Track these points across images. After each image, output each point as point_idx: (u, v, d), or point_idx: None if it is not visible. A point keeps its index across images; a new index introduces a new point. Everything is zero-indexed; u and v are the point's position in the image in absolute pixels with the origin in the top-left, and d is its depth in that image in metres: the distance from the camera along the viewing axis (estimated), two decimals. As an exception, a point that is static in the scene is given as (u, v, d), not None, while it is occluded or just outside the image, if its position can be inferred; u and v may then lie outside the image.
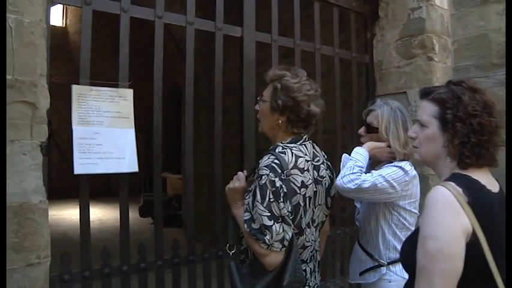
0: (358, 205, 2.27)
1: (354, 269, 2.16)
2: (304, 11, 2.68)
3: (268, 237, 1.47)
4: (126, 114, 1.90)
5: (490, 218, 1.16)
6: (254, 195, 1.51)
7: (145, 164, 2.92)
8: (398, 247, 1.92)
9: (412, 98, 2.90)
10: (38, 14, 1.62)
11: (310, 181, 1.61)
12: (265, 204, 1.47)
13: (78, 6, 1.85)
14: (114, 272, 1.89)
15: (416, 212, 2.01)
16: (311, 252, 1.67)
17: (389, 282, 1.96)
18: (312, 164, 1.65)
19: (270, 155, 1.55)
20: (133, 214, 7.91)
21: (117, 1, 1.95)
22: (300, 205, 1.58)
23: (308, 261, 1.66)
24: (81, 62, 1.85)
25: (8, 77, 1.51)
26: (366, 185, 1.85)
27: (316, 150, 1.72)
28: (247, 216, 1.53)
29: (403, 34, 3.00)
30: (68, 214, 8.76)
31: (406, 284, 1.32)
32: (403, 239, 1.68)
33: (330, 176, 1.76)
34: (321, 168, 1.70)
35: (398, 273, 1.96)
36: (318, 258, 1.75)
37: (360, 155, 1.98)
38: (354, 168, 1.90)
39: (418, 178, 2.00)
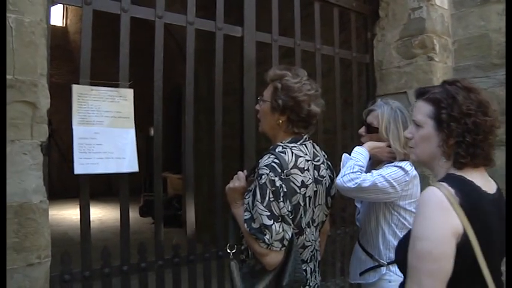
0: (358, 205, 2.27)
1: (354, 269, 2.16)
2: (304, 11, 2.68)
3: (267, 236, 1.47)
4: (127, 114, 1.90)
5: (483, 219, 1.16)
6: (254, 195, 1.51)
7: (146, 164, 2.92)
8: (399, 247, 1.92)
9: (412, 98, 2.89)
10: (38, 14, 1.62)
11: (310, 181, 1.61)
12: (265, 204, 1.47)
13: (78, 6, 1.85)
14: (114, 271, 1.89)
15: (417, 212, 2.00)
16: (311, 252, 1.67)
17: (390, 282, 1.96)
18: (312, 163, 1.65)
19: (270, 154, 1.55)
20: (134, 214, 7.91)
21: (117, 1, 1.95)
22: (300, 205, 1.58)
23: (308, 261, 1.66)
24: (81, 62, 1.85)
25: (8, 76, 1.51)
26: (366, 184, 1.85)
27: (316, 149, 1.72)
28: (247, 215, 1.53)
29: (404, 34, 3.00)
30: (68, 214, 8.76)
31: (400, 284, 1.33)
32: (403, 239, 1.68)
33: (330, 176, 1.76)
34: (321, 168, 1.70)
35: (398, 274, 1.95)
36: (318, 258, 1.75)
37: (360, 154, 1.98)
38: (354, 168, 1.90)
39: (418, 178, 2.00)
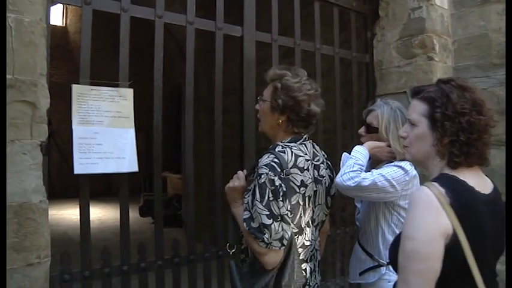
0: (358, 205, 2.27)
1: (353, 268, 2.16)
2: (304, 11, 2.68)
3: (267, 236, 1.47)
4: (126, 113, 1.90)
5: (474, 219, 1.15)
6: (253, 194, 1.51)
7: (146, 164, 2.92)
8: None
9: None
10: (38, 14, 1.62)
11: (310, 180, 1.61)
12: (264, 203, 1.47)
13: (78, 5, 1.85)
14: (114, 271, 1.89)
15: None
16: (311, 251, 1.67)
17: (389, 282, 1.96)
18: (312, 163, 1.65)
19: (269, 154, 1.55)
20: (134, 214, 7.91)
21: (117, 1, 1.95)
22: (300, 204, 1.58)
23: (308, 261, 1.66)
24: (81, 62, 1.85)
25: (8, 76, 1.51)
26: (366, 183, 1.84)
27: (316, 149, 1.72)
28: (246, 215, 1.53)
29: (404, 34, 3.00)
30: (68, 214, 8.76)
31: (394, 284, 1.33)
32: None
33: (329, 176, 1.76)
34: (321, 168, 1.70)
35: (398, 273, 1.96)
36: (318, 257, 1.75)
37: (360, 153, 1.98)
38: (354, 166, 1.90)
39: (418, 178, 2.00)
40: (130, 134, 1.90)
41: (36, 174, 1.59)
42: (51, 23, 1.78)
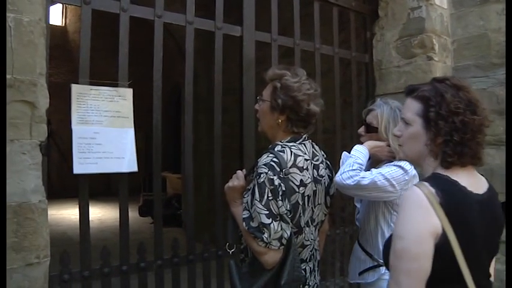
0: (358, 205, 2.27)
1: (353, 268, 2.16)
2: (303, 10, 2.68)
3: (266, 235, 1.47)
4: (126, 113, 1.90)
5: (464, 219, 1.15)
6: (253, 194, 1.51)
7: (145, 164, 2.92)
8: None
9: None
10: (37, 13, 1.62)
11: (309, 180, 1.61)
12: (263, 203, 1.47)
13: (77, 5, 1.85)
14: (113, 271, 1.89)
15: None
16: (311, 251, 1.67)
17: (389, 281, 1.96)
18: (312, 163, 1.65)
19: (268, 153, 1.55)
20: (133, 214, 7.91)
21: (116, 0, 1.95)
22: (299, 204, 1.57)
23: (308, 261, 1.66)
24: (80, 62, 1.85)
25: (8, 76, 1.51)
26: (365, 182, 1.84)
27: (315, 149, 1.72)
28: (245, 214, 1.53)
29: (403, 34, 3.00)
30: (67, 214, 8.75)
31: (388, 283, 1.33)
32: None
33: (329, 175, 1.76)
34: (320, 167, 1.70)
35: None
36: (318, 257, 1.75)
37: (359, 152, 1.98)
38: (354, 165, 1.90)
39: (418, 177, 2.00)
40: (129, 134, 1.90)
41: (35, 174, 1.59)
42: (50, 22, 1.78)
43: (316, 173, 1.66)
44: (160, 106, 2.05)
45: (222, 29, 2.29)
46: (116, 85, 1.90)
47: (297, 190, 1.56)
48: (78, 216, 1.83)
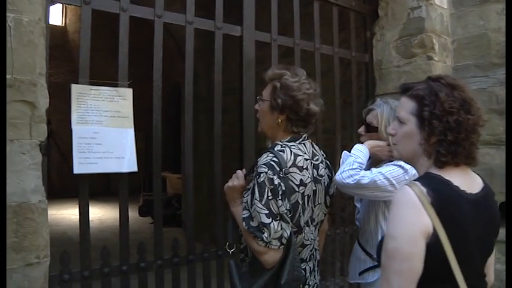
0: (358, 205, 2.27)
1: (353, 268, 2.16)
2: (303, 10, 2.68)
3: (266, 234, 1.47)
4: (126, 113, 1.90)
5: (456, 218, 1.14)
6: (252, 193, 1.51)
7: (145, 164, 2.91)
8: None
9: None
10: (37, 13, 1.62)
11: (309, 180, 1.61)
12: (263, 202, 1.47)
13: (77, 5, 1.85)
14: (113, 271, 1.89)
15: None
16: (310, 251, 1.67)
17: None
18: (311, 162, 1.65)
19: (268, 153, 1.56)
20: (133, 214, 7.90)
21: (116, 0, 1.94)
22: (299, 203, 1.58)
23: (307, 260, 1.66)
24: (80, 61, 1.85)
25: (7, 76, 1.51)
26: (365, 181, 1.84)
27: (315, 149, 1.72)
28: (245, 214, 1.53)
29: (403, 33, 3.00)
30: (67, 214, 8.75)
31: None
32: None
33: (328, 175, 1.76)
34: (320, 167, 1.70)
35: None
36: (318, 257, 1.75)
37: (360, 151, 1.98)
38: (354, 164, 1.90)
39: (417, 177, 2.00)
40: (129, 134, 1.90)
41: (35, 174, 1.59)
42: (50, 22, 1.78)
43: (316, 173, 1.66)
44: (160, 106, 2.05)
45: (222, 29, 2.29)
46: (115, 85, 1.90)
47: (297, 190, 1.56)
48: (78, 216, 1.83)
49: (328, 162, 1.79)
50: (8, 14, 1.52)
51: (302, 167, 1.59)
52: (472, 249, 1.17)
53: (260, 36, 2.47)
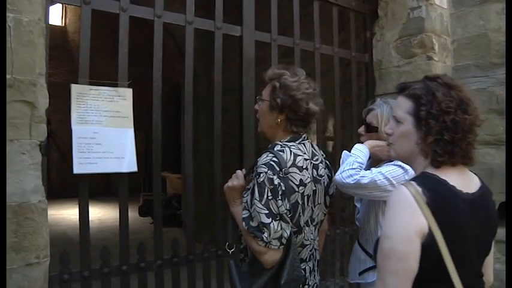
0: (358, 205, 2.27)
1: (353, 268, 2.16)
2: (303, 10, 2.68)
3: (266, 234, 1.47)
4: (126, 113, 1.90)
5: (451, 218, 1.14)
6: (252, 193, 1.51)
7: (145, 164, 2.91)
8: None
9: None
10: (37, 13, 1.62)
11: (309, 180, 1.61)
12: (263, 202, 1.47)
13: (77, 5, 1.85)
14: (113, 271, 1.89)
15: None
16: (310, 251, 1.67)
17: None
18: (311, 162, 1.65)
19: (268, 153, 1.56)
20: (133, 214, 7.90)
21: (116, 0, 1.94)
22: (298, 203, 1.58)
23: (307, 260, 1.66)
24: (80, 62, 1.85)
25: (7, 76, 1.51)
26: (365, 180, 1.84)
27: (314, 149, 1.72)
28: (245, 214, 1.53)
29: (403, 33, 3.00)
30: (67, 213, 8.75)
31: None
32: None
33: (328, 175, 1.76)
34: (320, 167, 1.70)
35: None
36: (317, 257, 1.75)
37: (360, 151, 1.98)
38: (354, 164, 1.90)
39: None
40: (129, 134, 1.90)
41: (35, 174, 1.59)
42: (50, 22, 1.78)
43: (315, 173, 1.66)
44: (160, 106, 2.05)
45: (222, 29, 2.29)
46: (115, 85, 1.90)
47: (297, 190, 1.56)
48: (78, 216, 1.83)
49: (327, 162, 1.79)
50: (8, 14, 1.52)
51: (302, 167, 1.59)
52: (468, 249, 1.17)
53: (260, 36, 2.47)
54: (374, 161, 2.08)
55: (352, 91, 3.01)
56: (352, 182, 1.84)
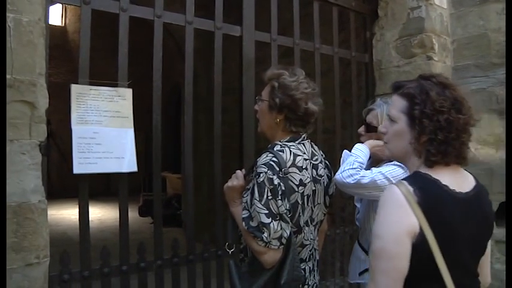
0: (358, 205, 2.27)
1: (353, 268, 2.16)
2: (303, 10, 2.68)
3: (266, 234, 1.47)
4: (125, 113, 1.90)
5: (443, 218, 1.14)
6: (252, 193, 1.51)
7: (145, 164, 2.91)
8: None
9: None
10: (37, 13, 1.62)
11: (309, 179, 1.61)
12: (263, 202, 1.47)
13: (77, 5, 1.85)
14: (113, 271, 1.89)
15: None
16: (310, 251, 1.67)
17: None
18: (311, 162, 1.65)
19: (268, 153, 1.56)
20: (133, 214, 7.90)
21: (116, 0, 1.95)
22: (298, 203, 1.58)
23: (307, 260, 1.66)
24: (80, 62, 1.85)
25: (7, 76, 1.51)
26: (365, 180, 1.84)
27: (314, 149, 1.72)
28: (245, 214, 1.53)
29: (403, 33, 3.00)
30: (67, 214, 8.75)
31: None
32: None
33: (328, 175, 1.76)
34: (319, 167, 1.70)
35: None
36: (317, 257, 1.75)
37: (360, 151, 1.98)
38: (354, 164, 1.90)
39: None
40: (129, 134, 1.90)
41: (35, 174, 1.59)
42: (50, 22, 1.78)
43: (315, 173, 1.66)
44: (160, 106, 2.05)
45: (222, 29, 2.29)
46: (115, 85, 1.90)
47: (296, 189, 1.56)
48: (78, 216, 1.83)
49: (327, 162, 1.79)
50: (7, 14, 1.52)
51: (301, 167, 1.59)
52: (460, 249, 1.16)
53: (260, 36, 2.47)
54: (374, 160, 2.08)
55: (352, 91, 3.01)
56: (352, 182, 1.84)
